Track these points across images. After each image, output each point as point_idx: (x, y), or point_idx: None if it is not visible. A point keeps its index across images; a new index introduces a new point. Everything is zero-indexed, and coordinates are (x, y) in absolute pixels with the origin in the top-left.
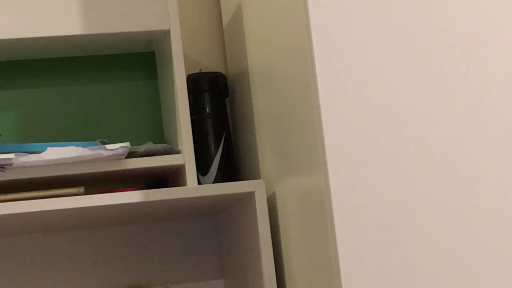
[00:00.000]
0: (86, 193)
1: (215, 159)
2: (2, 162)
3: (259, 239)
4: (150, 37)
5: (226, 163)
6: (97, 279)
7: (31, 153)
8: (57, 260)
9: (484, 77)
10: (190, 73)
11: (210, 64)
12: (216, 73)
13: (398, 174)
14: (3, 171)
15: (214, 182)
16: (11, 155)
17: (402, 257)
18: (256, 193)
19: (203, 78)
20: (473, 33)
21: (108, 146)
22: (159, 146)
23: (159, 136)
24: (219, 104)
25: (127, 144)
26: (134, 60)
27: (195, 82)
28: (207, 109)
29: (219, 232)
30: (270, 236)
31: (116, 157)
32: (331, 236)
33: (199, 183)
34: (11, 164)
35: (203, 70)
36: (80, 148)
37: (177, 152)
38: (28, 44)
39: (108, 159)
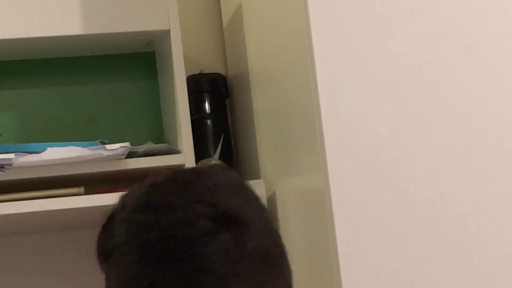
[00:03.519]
0: (86, 193)
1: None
2: (2, 162)
3: None
4: (150, 37)
5: (226, 163)
6: (97, 279)
7: (31, 153)
8: (57, 260)
9: (486, 79)
10: (190, 73)
11: (210, 64)
12: (216, 74)
13: (398, 174)
14: (3, 171)
15: None
16: (11, 155)
17: (402, 257)
18: None
19: (203, 79)
20: (475, 34)
21: (108, 146)
22: (159, 146)
23: (159, 136)
24: (219, 105)
25: (127, 144)
26: (134, 60)
27: (196, 83)
28: (207, 110)
29: None
30: None
31: (116, 157)
32: (331, 236)
33: None
34: (11, 164)
35: (204, 71)
36: (80, 148)
37: (177, 152)
38: (28, 44)
39: (108, 159)
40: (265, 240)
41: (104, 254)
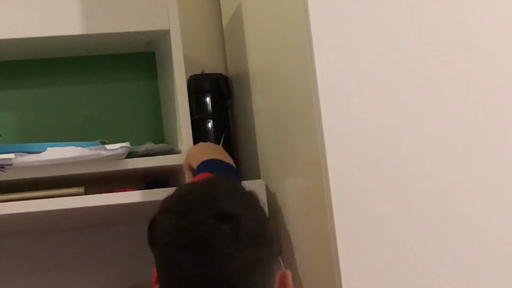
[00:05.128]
0: (86, 193)
1: None
2: (2, 162)
3: None
4: (150, 37)
5: None
6: (97, 279)
7: (31, 153)
8: (57, 260)
9: (485, 79)
10: (190, 73)
11: (210, 64)
12: (218, 74)
13: (398, 174)
14: (3, 171)
15: None
16: (11, 155)
17: (402, 256)
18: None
19: (205, 79)
20: (475, 34)
21: (108, 146)
22: (159, 146)
23: (159, 136)
24: (220, 105)
25: (127, 144)
26: (134, 60)
27: (197, 83)
28: (208, 110)
29: None
30: None
31: (116, 157)
32: (331, 236)
33: None
34: (11, 164)
35: (205, 71)
36: (80, 148)
37: (177, 152)
38: (28, 44)
39: (108, 159)
40: (254, 228)
41: (151, 243)
